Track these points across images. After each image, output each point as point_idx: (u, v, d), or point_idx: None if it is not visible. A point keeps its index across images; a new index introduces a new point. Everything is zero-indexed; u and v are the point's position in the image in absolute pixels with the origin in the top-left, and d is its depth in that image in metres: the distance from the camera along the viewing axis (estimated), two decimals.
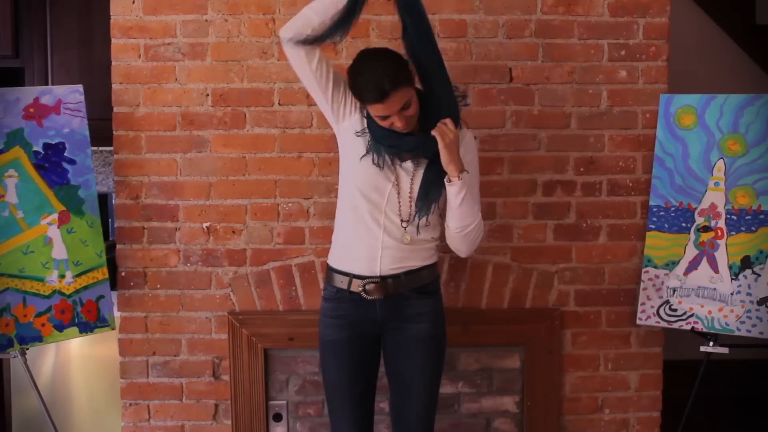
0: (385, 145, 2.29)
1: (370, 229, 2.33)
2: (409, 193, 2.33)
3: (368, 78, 2.20)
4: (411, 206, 2.33)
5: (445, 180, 2.30)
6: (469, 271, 2.91)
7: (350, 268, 2.36)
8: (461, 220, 2.33)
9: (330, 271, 2.43)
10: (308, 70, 2.30)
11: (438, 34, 2.86)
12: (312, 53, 2.29)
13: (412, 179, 2.34)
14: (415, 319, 2.38)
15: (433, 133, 2.25)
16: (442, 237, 2.44)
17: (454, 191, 2.29)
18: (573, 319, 2.94)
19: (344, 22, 2.25)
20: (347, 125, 2.37)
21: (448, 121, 2.26)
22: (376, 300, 2.35)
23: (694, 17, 4.01)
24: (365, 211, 2.33)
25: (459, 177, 2.27)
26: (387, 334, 2.41)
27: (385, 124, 2.26)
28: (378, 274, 2.34)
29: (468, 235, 2.36)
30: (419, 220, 2.33)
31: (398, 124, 2.23)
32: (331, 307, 2.41)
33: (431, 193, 2.32)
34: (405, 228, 2.33)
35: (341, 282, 2.38)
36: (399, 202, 2.33)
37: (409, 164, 2.34)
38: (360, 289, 2.34)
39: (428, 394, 2.42)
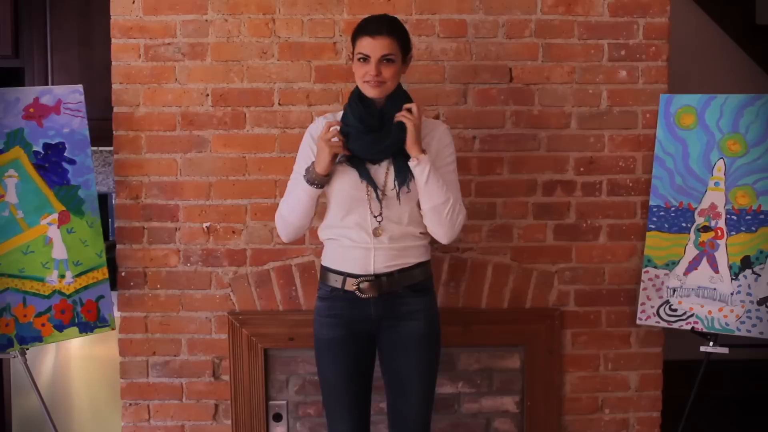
0: (355, 143, 2.34)
1: (360, 230, 2.36)
2: (383, 187, 2.36)
3: (373, 17, 2.38)
4: (382, 201, 2.35)
5: (409, 163, 2.34)
6: (469, 271, 2.91)
7: (344, 267, 2.38)
8: (430, 199, 2.35)
9: (324, 271, 2.44)
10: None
11: (438, 34, 2.87)
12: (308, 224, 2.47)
13: (385, 176, 2.36)
14: (410, 316, 2.39)
15: (399, 117, 2.32)
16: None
17: (419, 170, 2.33)
18: (573, 319, 2.94)
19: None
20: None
21: (411, 106, 2.33)
22: (371, 298, 2.36)
23: (694, 17, 4.01)
24: (353, 212, 2.36)
25: (419, 157, 2.31)
26: (382, 332, 2.41)
27: (360, 71, 2.32)
28: (372, 273, 2.35)
29: (440, 214, 2.36)
30: (398, 190, 2.35)
31: (372, 72, 2.29)
32: (325, 306, 2.42)
33: (404, 174, 2.35)
34: (380, 222, 2.35)
35: (335, 281, 2.39)
36: (376, 199, 2.35)
37: (378, 165, 2.37)
38: (354, 287, 2.36)
39: (424, 392, 2.43)
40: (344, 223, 2.38)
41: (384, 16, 2.39)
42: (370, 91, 2.33)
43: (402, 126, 2.33)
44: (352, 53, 2.35)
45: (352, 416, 2.42)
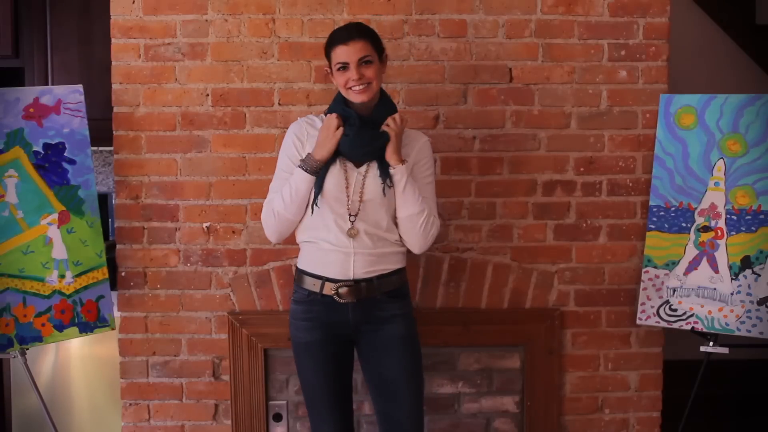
0: (349, 141, 2.35)
1: (338, 231, 2.36)
2: (360, 190, 2.36)
3: (339, 28, 2.40)
4: (359, 203, 2.36)
5: (390, 170, 2.37)
6: (469, 271, 2.91)
7: (323, 271, 2.38)
8: (406, 207, 2.38)
9: (300, 274, 2.44)
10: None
11: (438, 34, 2.87)
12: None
13: (363, 179, 2.37)
14: (388, 320, 2.40)
15: (384, 127, 2.36)
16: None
17: (397, 179, 2.37)
18: (573, 319, 2.94)
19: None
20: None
21: (396, 116, 2.38)
22: (348, 303, 2.36)
23: (694, 17, 4.01)
24: (333, 213, 2.37)
25: (401, 164, 2.36)
26: (361, 337, 2.42)
27: (342, 80, 2.32)
28: (351, 278, 2.35)
29: (415, 224, 2.39)
30: (384, 184, 2.36)
31: (353, 76, 2.29)
32: (302, 309, 2.43)
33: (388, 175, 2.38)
34: (352, 222, 2.36)
35: (313, 285, 2.39)
36: (351, 201, 2.36)
37: (356, 167, 2.38)
38: (333, 292, 2.36)
39: (413, 393, 2.43)
40: (323, 224, 2.38)
41: (349, 24, 2.42)
42: (356, 97, 2.33)
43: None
44: (330, 68, 2.37)
45: (335, 416, 2.42)
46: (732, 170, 2.74)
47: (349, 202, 2.36)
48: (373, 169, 2.38)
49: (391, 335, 2.40)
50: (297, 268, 2.47)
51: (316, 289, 2.39)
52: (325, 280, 2.37)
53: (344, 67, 2.31)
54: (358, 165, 2.39)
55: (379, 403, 2.46)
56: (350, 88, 2.32)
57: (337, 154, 2.36)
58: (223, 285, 2.90)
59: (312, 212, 2.40)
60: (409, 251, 2.49)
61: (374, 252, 2.38)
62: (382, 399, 2.45)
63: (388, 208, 2.39)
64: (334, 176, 2.36)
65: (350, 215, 2.36)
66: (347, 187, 2.36)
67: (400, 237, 2.44)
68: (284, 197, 2.39)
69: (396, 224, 2.42)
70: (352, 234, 2.36)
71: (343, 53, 2.30)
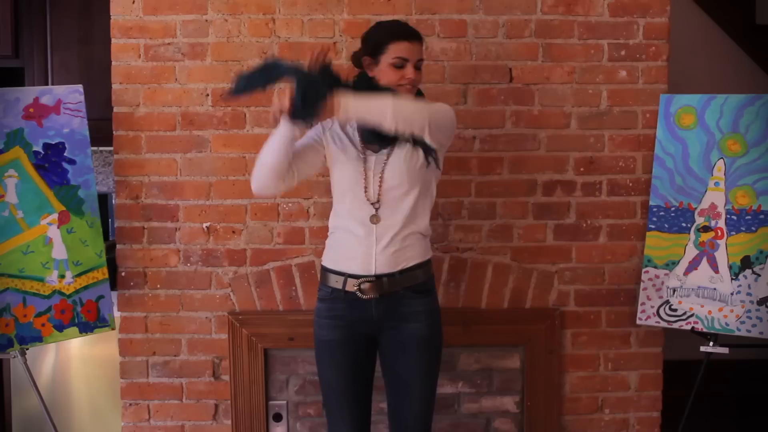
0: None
1: (360, 219, 2.35)
2: (381, 176, 2.35)
3: (398, 22, 2.42)
4: (380, 189, 2.35)
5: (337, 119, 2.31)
6: (469, 271, 2.91)
7: (345, 268, 2.37)
8: (379, 117, 2.23)
9: (324, 272, 2.43)
10: (294, 178, 2.39)
11: (438, 34, 2.87)
12: (287, 176, 2.36)
13: (384, 165, 2.35)
14: (411, 318, 2.38)
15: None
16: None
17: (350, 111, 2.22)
18: (573, 319, 2.94)
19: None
20: (329, 141, 2.42)
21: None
22: (372, 299, 2.35)
23: (694, 17, 4.01)
24: (354, 199, 2.36)
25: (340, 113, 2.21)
26: (383, 334, 2.41)
27: (395, 76, 2.32)
28: (373, 273, 2.34)
29: (400, 116, 2.23)
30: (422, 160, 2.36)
31: (410, 75, 2.32)
32: (326, 307, 2.42)
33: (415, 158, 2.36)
34: (377, 209, 2.35)
35: (336, 282, 2.38)
36: (370, 187, 2.35)
37: (375, 153, 2.37)
38: (355, 288, 2.35)
39: (426, 395, 2.43)
40: (346, 209, 2.38)
41: (402, 22, 2.44)
42: (405, 95, 2.32)
43: None
44: (372, 58, 2.34)
45: (353, 418, 2.41)
46: (732, 170, 2.75)
47: (368, 190, 2.35)
48: (396, 153, 2.35)
49: (412, 335, 2.38)
50: (321, 266, 2.46)
51: (339, 286, 2.38)
52: (347, 276, 2.37)
53: (402, 64, 2.32)
54: (376, 150, 2.36)
55: (391, 398, 2.46)
56: (401, 84, 2.32)
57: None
58: (223, 285, 2.90)
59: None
60: None
61: (396, 245, 2.35)
62: (394, 395, 2.45)
63: (411, 192, 2.36)
64: (351, 162, 2.36)
65: (371, 203, 2.35)
66: (365, 177, 2.35)
67: (425, 228, 2.41)
68: (266, 144, 2.33)
69: (420, 213, 2.39)
70: (374, 221, 2.35)
71: (406, 49, 2.31)
